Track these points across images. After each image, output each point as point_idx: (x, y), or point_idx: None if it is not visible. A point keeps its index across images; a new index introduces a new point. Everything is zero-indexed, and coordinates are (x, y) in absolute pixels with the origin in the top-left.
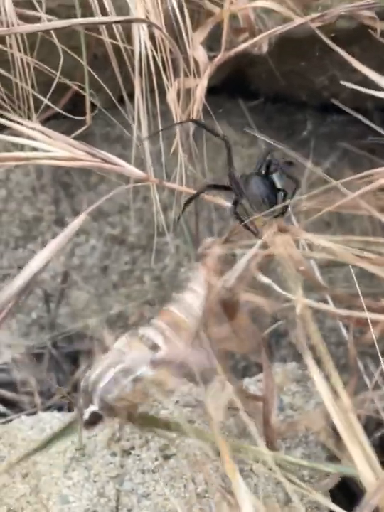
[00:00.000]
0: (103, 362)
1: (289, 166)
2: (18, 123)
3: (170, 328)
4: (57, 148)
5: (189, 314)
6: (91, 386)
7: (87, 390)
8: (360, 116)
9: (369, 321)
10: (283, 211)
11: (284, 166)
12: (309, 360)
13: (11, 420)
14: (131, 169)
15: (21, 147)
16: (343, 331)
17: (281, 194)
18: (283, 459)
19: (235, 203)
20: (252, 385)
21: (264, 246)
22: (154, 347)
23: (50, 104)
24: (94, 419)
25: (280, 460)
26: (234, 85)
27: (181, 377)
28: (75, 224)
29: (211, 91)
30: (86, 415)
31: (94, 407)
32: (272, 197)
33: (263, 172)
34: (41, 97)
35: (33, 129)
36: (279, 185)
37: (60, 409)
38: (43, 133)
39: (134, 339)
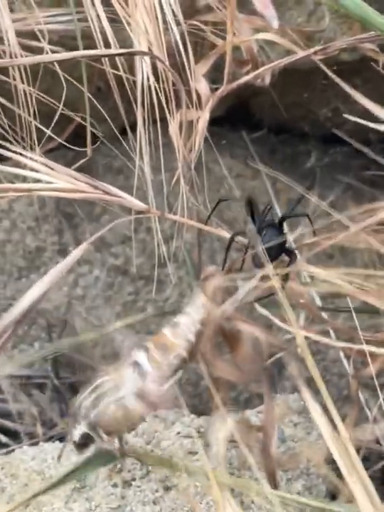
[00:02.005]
0: (92, 385)
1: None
2: (21, 154)
3: (157, 349)
4: (60, 180)
5: (180, 338)
6: (79, 407)
7: (76, 411)
8: (364, 148)
9: (367, 353)
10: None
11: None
12: (306, 393)
13: (12, 450)
14: (133, 201)
15: (24, 178)
16: (344, 362)
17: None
18: (282, 496)
19: (232, 239)
20: (253, 416)
21: (266, 278)
22: (140, 367)
23: (53, 136)
24: (85, 441)
25: (279, 497)
26: (237, 116)
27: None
28: (76, 253)
29: (214, 122)
30: (76, 437)
31: (82, 428)
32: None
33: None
34: (44, 129)
35: (35, 160)
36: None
37: (61, 439)
38: (45, 164)
39: (123, 361)
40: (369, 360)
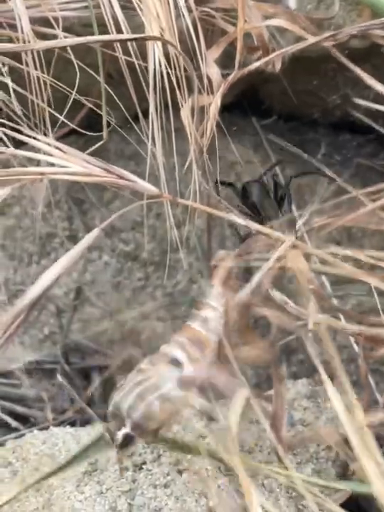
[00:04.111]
0: (129, 382)
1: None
2: (35, 139)
3: (193, 345)
4: (73, 164)
5: (210, 330)
6: (120, 407)
7: (116, 411)
8: (380, 128)
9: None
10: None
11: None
12: (323, 374)
13: (23, 435)
14: (145, 185)
15: (37, 163)
16: (355, 347)
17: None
18: (297, 476)
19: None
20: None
21: (278, 259)
22: (178, 364)
23: (66, 121)
24: (127, 441)
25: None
26: (247, 102)
27: (205, 394)
28: (87, 240)
29: (224, 108)
30: (119, 437)
31: (126, 429)
32: (269, 204)
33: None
34: (57, 115)
35: (49, 144)
36: (272, 194)
37: (72, 424)
38: (59, 149)
39: (157, 357)
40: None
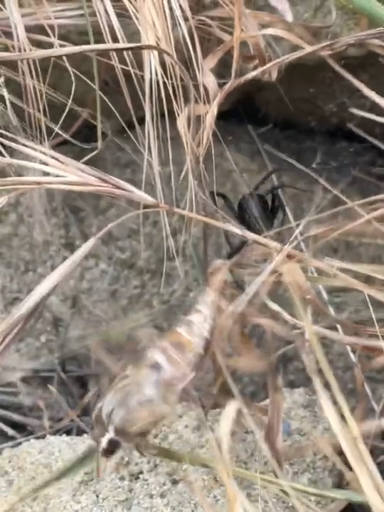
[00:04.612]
0: (112, 388)
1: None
2: (30, 147)
3: (174, 349)
4: (69, 174)
5: (196, 335)
6: (103, 414)
7: (100, 418)
8: (375, 141)
9: (374, 347)
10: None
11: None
12: (318, 384)
13: (19, 443)
14: (141, 195)
15: (33, 172)
16: (351, 355)
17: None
18: (292, 486)
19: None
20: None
21: (273, 271)
22: (159, 368)
23: (60, 132)
24: (112, 447)
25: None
26: (243, 110)
27: (185, 399)
28: (84, 248)
29: (220, 116)
30: (103, 444)
31: (110, 435)
32: (265, 217)
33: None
34: (52, 125)
35: (44, 154)
36: (270, 206)
37: (68, 432)
38: (54, 158)
39: (140, 363)
40: (380, 352)
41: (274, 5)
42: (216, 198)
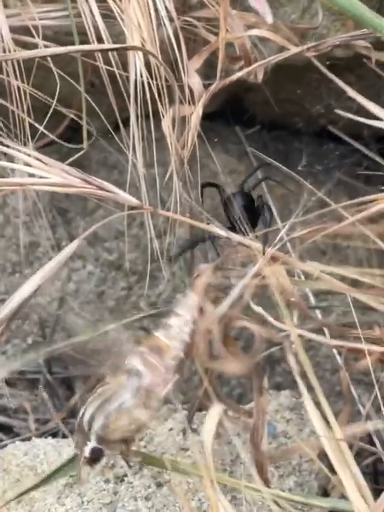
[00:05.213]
0: (92, 396)
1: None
2: (14, 149)
3: (153, 354)
4: (53, 175)
5: (175, 339)
6: (86, 423)
7: (82, 426)
8: (357, 145)
9: (361, 351)
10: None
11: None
12: (302, 387)
13: (5, 445)
14: (126, 197)
15: (20, 173)
16: (338, 358)
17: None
18: (276, 494)
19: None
20: None
21: (258, 274)
22: (137, 374)
23: (46, 132)
24: (96, 456)
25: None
26: (230, 111)
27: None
28: (68, 249)
29: (207, 117)
30: (86, 452)
31: (92, 444)
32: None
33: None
34: (37, 125)
35: (28, 155)
36: (256, 202)
37: (54, 435)
38: (38, 159)
39: (119, 369)
40: (365, 355)
41: (254, 6)
42: (206, 189)
